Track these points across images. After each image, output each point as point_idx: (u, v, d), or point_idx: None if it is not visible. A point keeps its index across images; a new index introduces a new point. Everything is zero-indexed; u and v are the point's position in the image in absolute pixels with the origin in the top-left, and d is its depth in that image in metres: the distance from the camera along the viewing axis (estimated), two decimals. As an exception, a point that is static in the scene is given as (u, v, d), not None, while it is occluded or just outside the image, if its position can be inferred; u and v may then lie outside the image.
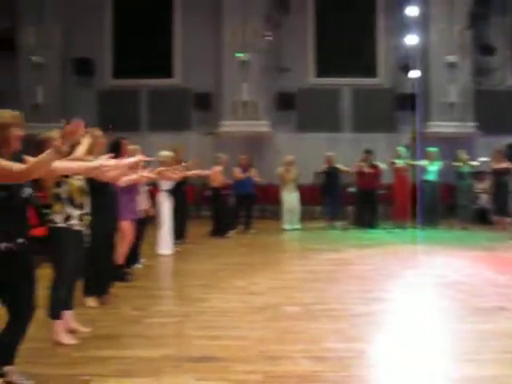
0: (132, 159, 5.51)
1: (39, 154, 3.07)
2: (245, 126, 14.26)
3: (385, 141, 13.90)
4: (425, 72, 14.52)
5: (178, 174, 8.45)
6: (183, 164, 8.71)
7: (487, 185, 13.20)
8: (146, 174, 6.63)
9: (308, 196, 13.23)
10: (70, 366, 3.72)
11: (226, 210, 10.96)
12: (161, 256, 8.23)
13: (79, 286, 4.81)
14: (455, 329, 4.56)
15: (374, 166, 11.70)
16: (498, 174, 11.07)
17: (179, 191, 8.74)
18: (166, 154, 8.41)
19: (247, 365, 3.73)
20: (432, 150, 11.81)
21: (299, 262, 8.28)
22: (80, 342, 4.18)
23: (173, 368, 3.67)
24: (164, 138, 12.60)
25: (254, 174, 11.41)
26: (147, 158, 6.37)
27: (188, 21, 14.80)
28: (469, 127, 14.38)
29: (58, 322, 4.21)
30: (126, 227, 6.25)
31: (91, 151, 4.50)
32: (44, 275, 6.00)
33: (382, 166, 11.71)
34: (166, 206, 8.35)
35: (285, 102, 14.68)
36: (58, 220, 4.20)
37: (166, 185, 8.38)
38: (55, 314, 4.21)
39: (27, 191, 3.24)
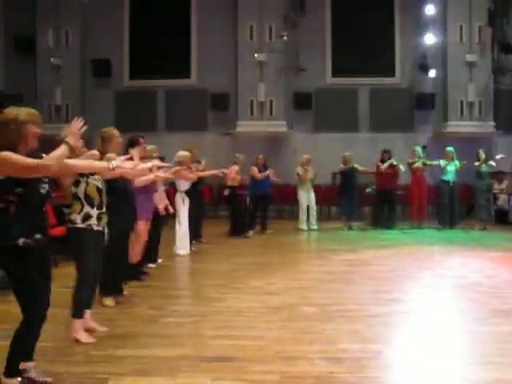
0: (148, 164, 5.57)
1: None
2: (261, 126, 14.27)
3: (402, 141, 13.80)
4: (443, 71, 14.40)
5: (193, 173, 8.50)
6: (197, 164, 8.77)
7: (506, 185, 13.07)
8: (162, 174, 6.66)
9: (325, 196, 13.21)
10: (87, 365, 3.76)
11: (244, 210, 10.98)
12: (178, 256, 8.27)
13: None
14: (473, 330, 4.51)
15: (393, 166, 11.63)
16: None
17: (195, 191, 8.78)
18: (183, 154, 8.45)
19: (263, 365, 3.73)
20: (450, 149, 11.69)
21: (316, 262, 8.25)
22: (98, 341, 4.22)
23: (189, 368, 3.69)
24: (181, 139, 12.66)
25: (272, 174, 11.41)
26: (162, 164, 6.42)
27: (204, 21, 14.85)
28: (488, 127, 14.23)
29: (77, 320, 4.26)
30: (142, 227, 6.28)
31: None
32: (62, 274, 6.08)
33: (403, 168, 11.61)
34: (183, 207, 8.38)
35: (301, 102, 14.67)
36: (78, 220, 4.24)
37: (183, 185, 8.41)
38: (77, 313, 4.27)
39: (45, 187, 3.27)
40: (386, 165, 11.58)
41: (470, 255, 8.30)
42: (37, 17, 14.67)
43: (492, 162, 11.55)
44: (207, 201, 12.92)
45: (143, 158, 5.72)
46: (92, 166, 3.97)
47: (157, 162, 6.27)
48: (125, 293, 5.61)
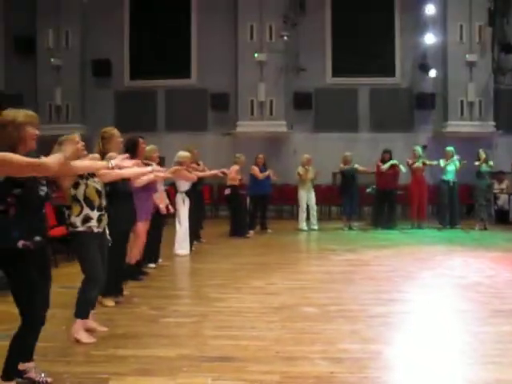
0: (148, 168, 5.57)
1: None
2: (261, 126, 14.28)
3: (402, 140, 13.80)
4: (443, 71, 14.40)
5: (193, 173, 8.51)
6: (196, 165, 8.79)
7: (506, 185, 13.08)
8: (161, 173, 6.63)
9: (325, 196, 13.22)
10: (88, 365, 3.76)
11: (244, 210, 10.98)
12: (178, 256, 8.27)
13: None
14: (474, 331, 4.51)
15: (394, 167, 11.62)
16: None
17: (194, 192, 8.78)
18: (183, 154, 8.45)
19: (264, 365, 3.74)
20: (450, 149, 11.69)
21: (316, 262, 8.25)
22: (98, 341, 4.22)
23: (190, 367, 3.69)
24: (181, 139, 12.68)
25: (272, 174, 11.42)
26: (161, 174, 6.43)
27: (204, 21, 14.85)
28: (488, 126, 14.22)
29: (78, 320, 4.26)
30: (140, 228, 6.28)
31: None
32: (62, 274, 6.09)
33: (403, 169, 11.60)
34: (183, 207, 8.39)
35: (301, 102, 14.66)
36: (78, 223, 4.23)
37: (183, 186, 8.41)
38: (81, 313, 4.28)
39: (44, 190, 3.27)
40: (386, 165, 11.58)
41: (470, 255, 8.30)
42: (37, 17, 14.67)
43: (491, 163, 11.54)
44: (207, 201, 12.94)
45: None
46: (92, 167, 3.98)
47: (156, 167, 6.27)
48: (125, 293, 5.61)
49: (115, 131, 5.11)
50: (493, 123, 14.26)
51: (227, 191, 10.77)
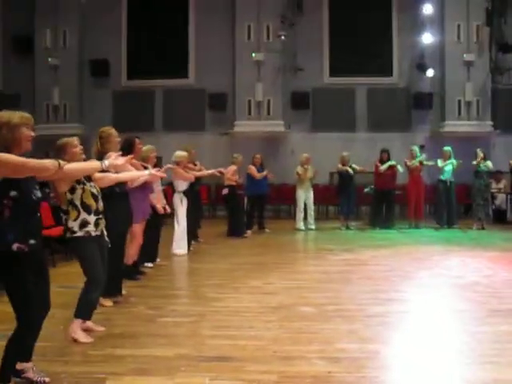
0: (145, 172, 5.56)
1: (57, 158, 3.12)
2: (259, 126, 14.29)
3: (400, 140, 13.82)
4: (441, 71, 14.42)
5: (191, 173, 8.52)
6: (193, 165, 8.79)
7: (504, 184, 13.10)
8: (158, 172, 6.59)
9: (323, 196, 13.23)
10: (86, 364, 3.76)
11: (242, 210, 10.98)
12: (176, 256, 8.27)
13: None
14: (471, 331, 4.52)
15: (392, 167, 11.64)
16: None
17: (192, 192, 8.78)
18: (181, 154, 8.46)
19: (261, 365, 3.74)
20: (447, 149, 11.70)
21: (314, 262, 8.26)
22: (96, 341, 4.22)
23: (187, 367, 3.69)
24: (179, 139, 12.69)
25: (269, 173, 11.42)
26: (158, 174, 6.41)
27: (202, 21, 14.85)
28: (486, 126, 14.25)
29: (76, 320, 4.26)
30: (137, 229, 6.27)
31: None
32: (61, 274, 6.08)
33: (401, 169, 11.61)
34: (181, 207, 8.38)
35: (299, 102, 14.68)
36: (75, 227, 4.22)
37: (181, 186, 8.41)
38: (81, 314, 4.28)
39: (38, 192, 3.26)
40: (385, 166, 11.59)
41: (467, 255, 8.31)
42: (35, 17, 14.65)
43: (489, 162, 11.55)
44: (205, 201, 12.94)
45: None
46: (86, 169, 3.95)
47: (152, 170, 6.25)
48: (123, 293, 5.61)
49: (113, 131, 5.11)
50: (490, 123, 14.29)
51: (225, 191, 10.76)
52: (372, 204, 12.34)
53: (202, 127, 14.86)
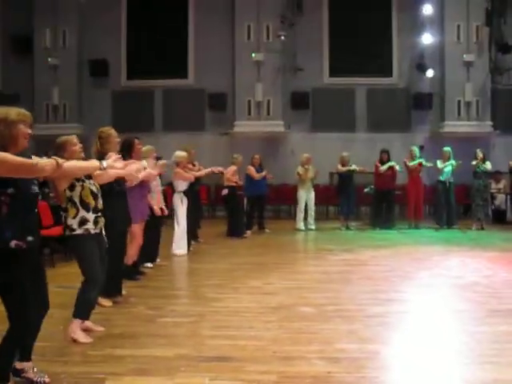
0: (142, 163, 5.54)
1: (56, 156, 3.11)
2: (259, 126, 14.28)
3: (399, 140, 13.81)
4: (441, 71, 14.42)
5: (190, 173, 8.53)
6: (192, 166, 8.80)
7: (503, 185, 13.10)
8: (153, 171, 6.58)
9: (323, 196, 13.22)
10: (85, 364, 3.76)
11: (241, 210, 10.98)
12: (175, 256, 8.27)
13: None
14: (471, 331, 4.52)
15: (391, 167, 11.64)
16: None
17: (191, 192, 8.78)
18: (180, 153, 8.46)
19: (261, 365, 3.73)
20: (447, 149, 11.70)
21: (313, 262, 8.26)
22: (95, 341, 4.22)
23: (187, 367, 3.69)
24: (178, 139, 12.68)
25: (268, 174, 11.41)
26: (154, 172, 6.42)
27: (202, 21, 14.83)
28: (485, 126, 14.25)
29: (76, 320, 4.25)
30: (136, 230, 6.26)
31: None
32: (60, 274, 6.08)
33: (399, 169, 11.62)
34: (181, 207, 8.38)
35: (299, 102, 14.67)
36: (75, 225, 4.22)
37: (181, 186, 8.41)
38: (80, 314, 4.28)
39: (36, 188, 3.24)
40: (385, 167, 11.59)
41: (467, 255, 8.31)
42: (34, 16, 14.63)
43: (488, 163, 11.55)
44: (204, 201, 12.93)
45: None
46: (86, 167, 3.95)
47: (148, 170, 6.25)
48: (123, 293, 5.61)
49: (112, 131, 5.10)
50: (490, 123, 14.29)
51: (224, 192, 10.76)
52: (372, 204, 12.35)
53: (202, 127, 14.86)
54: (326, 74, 15.02)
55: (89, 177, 4.25)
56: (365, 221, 12.63)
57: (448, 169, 11.54)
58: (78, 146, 4.16)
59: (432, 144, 13.74)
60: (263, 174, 11.26)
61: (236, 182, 10.70)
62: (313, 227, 11.67)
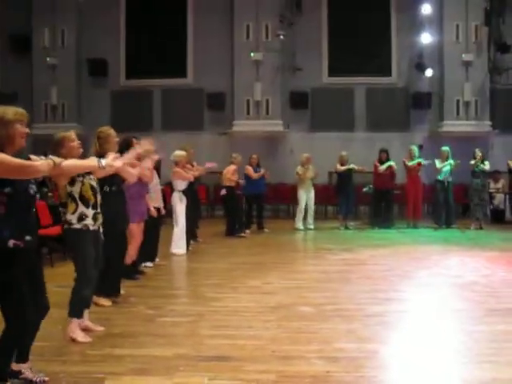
0: (136, 150, 5.46)
1: (55, 153, 3.09)
2: (258, 125, 14.27)
3: (398, 140, 13.82)
4: (439, 70, 14.42)
5: (189, 173, 8.53)
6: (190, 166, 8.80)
7: (502, 184, 13.11)
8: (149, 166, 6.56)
9: (322, 195, 13.22)
10: (84, 364, 3.76)
11: (240, 210, 10.98)
12: (174, 255, 8.27)
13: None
14: (470, 330, 4.52)
15: (390, 167, 11.65)
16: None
17: (190, 191, 8.78)
18: (179, 153, 8.46)
19: (260, 364, 3.74)
20: (445, 149, 11.71)
21: (312, 261, 8.27)
22: (94, 341, 4.22)
23: (186, 367, 3.69)
24: (177, 138, 12.64)
25: (266, 172, 11.41)
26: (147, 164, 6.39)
27: (201, 21, 14.82)
28: (484, 126, 14.25)
29: (74, 320, 4.25)
30: (135, 229, 6.26)
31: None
32: (59, 273, 6.07)
33: (395, 166, 11.64)
34: (180, 206, 8.38)
35: (298, 102, 14.66)
36: (73, 220, 4.22)
37: (180, 185, 8.41)
38: (75, 312, 4.27)
39: (34, 188, 3.23)
40: (384, 167, 11.60)
41: (466, 254, 8.32)
42: (32, 16, 14.62)
43: (486, 163, 11.55)
44: (203, 201, 12.93)
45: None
46: (84, 166, 3.95)
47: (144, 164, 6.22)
48: (122, 292, 5.60)
49: (111, 131, 5.09)
50: (489, 123, 14.29)
51: (223, 192, 10.77)
52: (371, 204, 12.36)
53: (201, 127, 14.85)
54: (324, 74, 15.01)
55: (88, 172, 4.25)
56: (364, 220, 12.64)
57: (446, 168, 11.54)
58: (77, 142, 4.14)
59: (431, 143, 13.73)
60: (261, 173, 11.27)
61: (237, 182, 10.71)
62: (312, 227, 11.67)
